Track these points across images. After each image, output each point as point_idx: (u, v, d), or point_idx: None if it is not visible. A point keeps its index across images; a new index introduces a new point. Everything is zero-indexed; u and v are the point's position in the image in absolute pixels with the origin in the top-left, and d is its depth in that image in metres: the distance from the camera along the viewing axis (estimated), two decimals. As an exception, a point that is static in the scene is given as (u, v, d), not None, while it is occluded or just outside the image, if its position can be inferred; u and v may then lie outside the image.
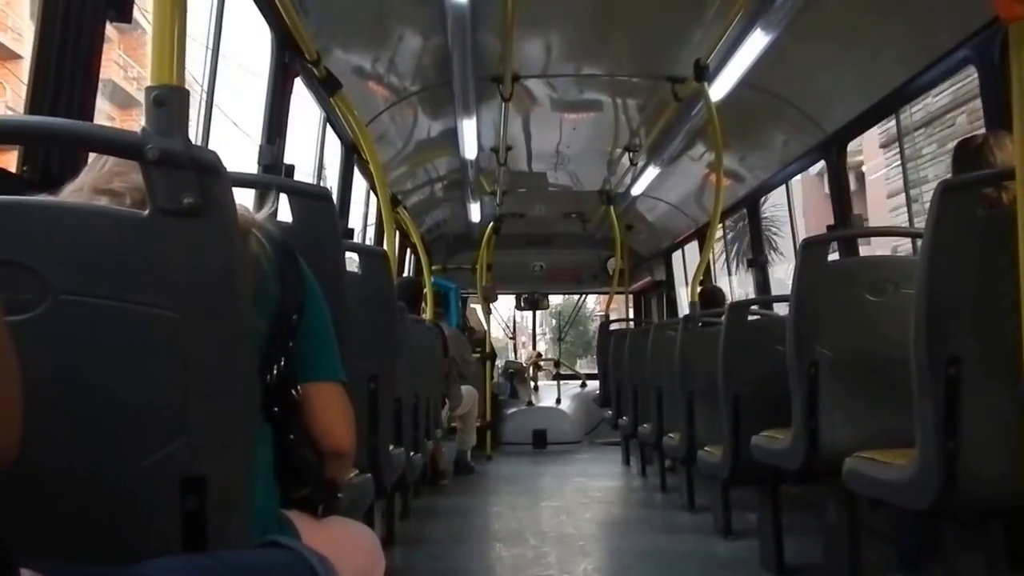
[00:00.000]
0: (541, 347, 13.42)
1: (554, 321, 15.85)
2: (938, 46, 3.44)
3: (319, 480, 1.29)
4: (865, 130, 4.64)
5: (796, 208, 6.33)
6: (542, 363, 11.61)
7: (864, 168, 16.39)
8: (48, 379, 0.90)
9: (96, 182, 1.16)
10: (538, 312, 11.50)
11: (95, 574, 0.82)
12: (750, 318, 3.76)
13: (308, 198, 1.79)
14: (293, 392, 1.24)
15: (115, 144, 0.96)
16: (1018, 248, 1.63)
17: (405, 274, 7.90)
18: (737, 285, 9.09)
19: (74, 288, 0.92)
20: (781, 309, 3.94)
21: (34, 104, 1.94)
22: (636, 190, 6.96)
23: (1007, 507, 1.90)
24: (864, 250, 4.96)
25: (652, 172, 6.32)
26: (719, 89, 4.39)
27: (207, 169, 0.93)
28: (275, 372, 1.21)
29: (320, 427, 1.28)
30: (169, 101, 0.93)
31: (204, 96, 3.05)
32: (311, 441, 1.28)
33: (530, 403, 9.59)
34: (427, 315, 6.16)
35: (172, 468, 0.93)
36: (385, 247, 4.07)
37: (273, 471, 1.24)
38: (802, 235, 4.60)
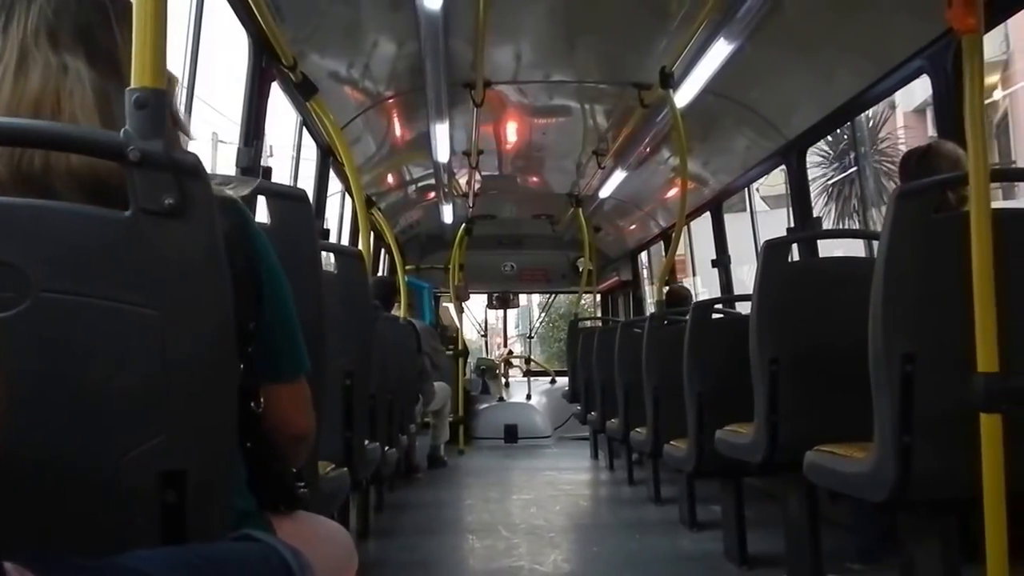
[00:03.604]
0: (517, 348, 13.45)
1: (540, 313, 15.74)
2: (894, 56, 3.52)
3: (282, 487, 1.24)
4: (823, 137, 4.75)
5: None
6: (513, 360, 11.70)
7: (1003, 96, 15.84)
8: (29, 375, 0.90)
9: None
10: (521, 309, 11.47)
11: (75, 565, 0.80)
12: (714, 316, 3.86)
13: (285, 199, 1.78)
14: (252, 404, 1.16)
15: (96, 146, 0.95)
16: (969, 249, 1.72)
17: (379, 273, 7.95)
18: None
19: (56, 286, 0.91)
20: (743, 308, 4.06)
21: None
22: (604, 193, 7.03)
23: (960, 498, 1.94)
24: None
25: (619, 175, 6.38)
26: (684, 96, 4.45)
27: (188, 171, 0.93)
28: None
29: (280, 417, 1.21)
30: (150, 103, 0.94)
31: (183, 98, 3.09)
32: (270, 436, 1.21)
33: (501, 399, 9.65)
34: (400, 313, 6.23)
35: (152, 463, 0.93)
36: (360, 247, 4.12)
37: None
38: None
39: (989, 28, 2.44)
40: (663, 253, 7.62)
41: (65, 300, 0.91)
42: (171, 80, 1.14)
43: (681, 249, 7.84)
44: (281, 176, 4.52)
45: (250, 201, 1.39)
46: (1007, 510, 1.70)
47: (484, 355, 11.96)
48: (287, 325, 1.21)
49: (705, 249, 6.44)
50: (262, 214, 1.77)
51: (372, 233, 6.19)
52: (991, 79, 14.84)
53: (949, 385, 1.84)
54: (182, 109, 1.19)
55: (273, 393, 1.19)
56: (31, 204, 0.95)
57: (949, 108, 3.14)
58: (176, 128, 1.13)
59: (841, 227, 16.80)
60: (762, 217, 6.93)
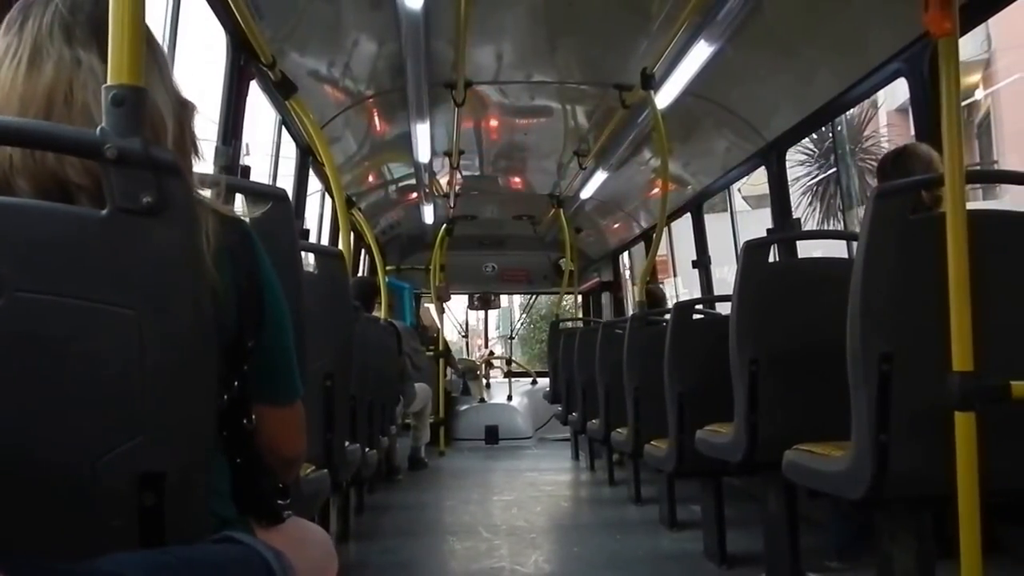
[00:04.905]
0: (498, 349, 13.45)
1: (522, 314, 15.73)
2: (872, 59, 3.57)
3: (265, 504, 1.23)
4: (802, 138, 4.79)
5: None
6: (494, 361, 11.71)
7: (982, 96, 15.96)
8: (5, 375, 0.89)
9: None
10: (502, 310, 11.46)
11: (49, 568, 0.81)
12: (694, 317, 3.88)
13: (265, 198, 1.74)
14: (245, 421, 1.15)
15: (73, 143, 0.94)
16: (946, 250, 1.73)
17: (360, 274, 7.93)
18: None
19: (31, 286, 0.90)
20: (724, 308, 4.08)
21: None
22: (585, 194, 7.06)
23: (935, 496, 1.94)
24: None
25: (600, 176, 6.41)
26: (664, 97, 4.48)
27: (166, 169, 0.92)
28: (225, 398, 1.11)
29: (270, 439, 1.20)
30: (127, 101, 0.93)
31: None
32: (261, 453, 1.20)
33: (482, 400, 9.65)
34: (381, 314, 6.22)
35: (130, 464, 0.92)
36: (340, 247, 4.11)
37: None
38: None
39: (965, 31, 2.47)
40: (645, 254, 7.65)
41: (40, 300, 0.90)
42: (187, 105, 1.16)
43: (663, 250, 7.88)
44: (260, 175, 4.51)
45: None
46: (981, 507, 1.72)
47: (465, 356, 11.95)
48: (285, 351, 1.20)
49: (687, 250, 6.46)
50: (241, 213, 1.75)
51: (352, 233, 6.16)
52: (973, 78, 14.98)
53: (925, 384, 1.85)
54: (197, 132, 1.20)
55: (265, 415, 1.18)
56: (5, 203, 0.94)
57: (926, 110, 3.19)
58: (195, 153, 1.17)
59: (826, 227, 17.00)
60: (745, 217, 6.97)
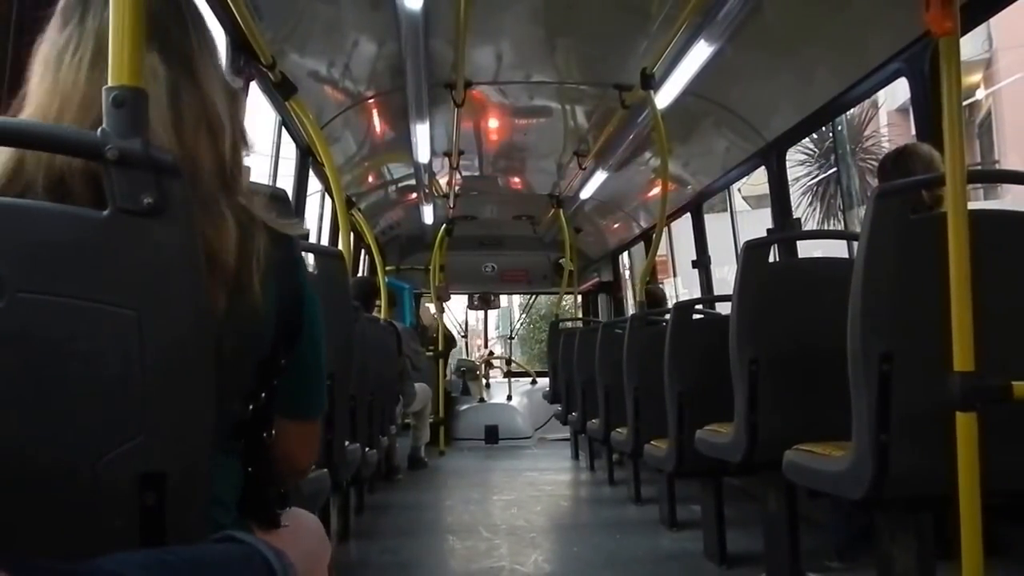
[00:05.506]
0: (498, 349, 13.46)
1: (521, 314, 15.70)
2: (872, 59, 3.58)
3: (268, 511, 1.22)
4: (803, 138, 4.79)
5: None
6: (494, 361, 11.71)
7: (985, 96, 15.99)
8: (5, 376, 0.89)
9: None
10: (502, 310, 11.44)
11: (49, 568, 0.81)
12: (694, 317, 3.88)
13: (265, 199, 1.79)
14: (265, 433, 1.16)
15: (74, 145, 0.94)
16: (947, 250, 1.72)
17: (360, 274, 7.93)
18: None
19: (31, 286, 0.90)
20: (724, 308, 4.07)
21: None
22: (585, 194, 7.06)
23: (936, 496, 1.94)
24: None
25: (600, 176, 6.40)
26: (664, 97, 4.48)
27: (167, 170, 0.92)
28: (250, 408, 1.12)
29: (286, 450, 1.22)
30: (128, 102, 0.93)
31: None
32: (273, 462, 1.20)
33: (482, 400, 9.65)
34: (381, 314, 6.22)
35: (131, 464, 0.91)
36: (340, 247, 4.11)
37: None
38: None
39: (966, 31, 2.47)
40: (644, 254, 7.65)
41: (41, 300, 0.90)
42: (236, 96, 1.16)
43: (663, 250, 7.88)
44: (259, 176, 4.51)
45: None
46: (982, 508, 1.72)
47: (465, 356, 11.95)
48: (317, 369, 1.23)
49: (687, 250, 6.46)
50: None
51: (352, 233, 6.17)
52: (974, 78, 15.00)
53: (926, 384, 1.84)
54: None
55: (288, 428, 1.20)
56: (6, 203, 0.93)
57: (927, 110, 3.19)
58: (245, 146, 1.14)
59: (826, 227, 17.02)
60: (745, 216, 6.97)
